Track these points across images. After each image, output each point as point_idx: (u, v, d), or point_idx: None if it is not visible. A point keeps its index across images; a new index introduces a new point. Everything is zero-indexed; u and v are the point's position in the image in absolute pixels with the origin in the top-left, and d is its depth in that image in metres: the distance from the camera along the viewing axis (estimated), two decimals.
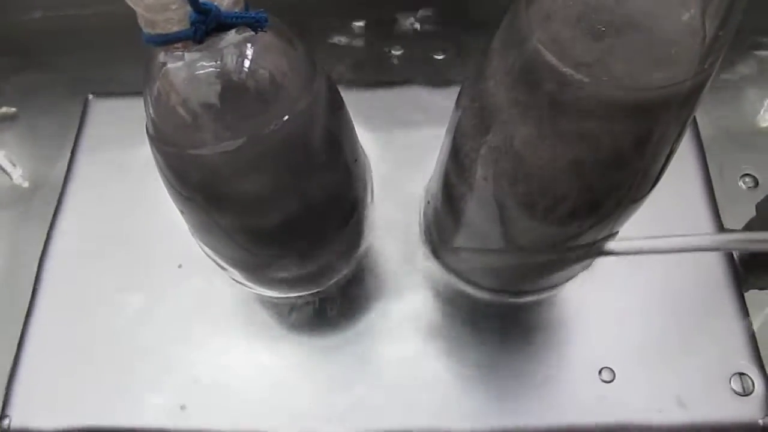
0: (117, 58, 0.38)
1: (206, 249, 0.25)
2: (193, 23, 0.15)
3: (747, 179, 0.28)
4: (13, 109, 0.40)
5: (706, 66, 0.16)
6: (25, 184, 0.37)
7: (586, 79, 0.16)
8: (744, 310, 0.29)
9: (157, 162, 0.20)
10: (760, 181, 0.31)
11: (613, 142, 0.17)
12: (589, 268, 0.29)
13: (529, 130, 0.18)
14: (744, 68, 0.39)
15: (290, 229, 0.22)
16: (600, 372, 0.28)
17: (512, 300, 0.30)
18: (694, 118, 0.34)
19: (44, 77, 0.40)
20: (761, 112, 0.38)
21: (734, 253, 0.30)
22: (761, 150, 0.35)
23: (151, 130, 0.19)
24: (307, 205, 0.21)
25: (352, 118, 0.23)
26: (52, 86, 0.40)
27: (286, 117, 0.18)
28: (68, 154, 0.36)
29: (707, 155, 0.33)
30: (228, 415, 0.28)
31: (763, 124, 0.37)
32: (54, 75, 0.40)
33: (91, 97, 0.38)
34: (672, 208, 0.31)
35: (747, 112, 0.37)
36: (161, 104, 0.18)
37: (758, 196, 0.32)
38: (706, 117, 0.36)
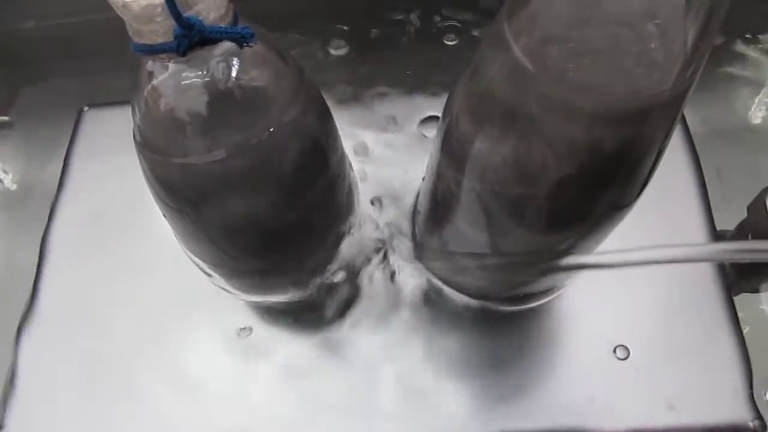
0: (110, 67, 0.38)
1: (192, 256, 0.25)
2: (176, 37, 0.15)
3: (619, 350, 0.28)
4: (7, 118, 0.40)
5: (688, 75, 0.16)
6: (14, 188, 0.37)
7: (567, 90, 0.16)
8: (733, 312, 0.29)
9: (143, 169, 0.20)
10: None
11: (596, 151, 0.17)
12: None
13: (513, 141, 0.18)
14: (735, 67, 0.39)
15: (275, 239, 0.22)
16: (591, 377, 0.28)
17: (502, 308, 0.30)
18: (685, 121, 0.34)
19: (37, 86, 0.41)
20: (752, 110, 0.38)
21: None
22: (754, 148, 0.35)
23: (137, 137, 0.19)
24: (293, 216, 0.22)
25: (341, 125, 0.23)
26: (46, 95, 0.40)
27: (272, 128, 0.18)
28: (61, 163, 0.36)
29: (702, 156, 0.33)
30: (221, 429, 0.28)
31: (755, 122, 0.37)
32: (47, 83, 0.41)
33: (86, 108, 0.38)
34: (664, 214, 0.30)
35: (738, 110, 0.38)
36: (148, 112, 0.18)
37: None
38: (697, 116, 0.36)
